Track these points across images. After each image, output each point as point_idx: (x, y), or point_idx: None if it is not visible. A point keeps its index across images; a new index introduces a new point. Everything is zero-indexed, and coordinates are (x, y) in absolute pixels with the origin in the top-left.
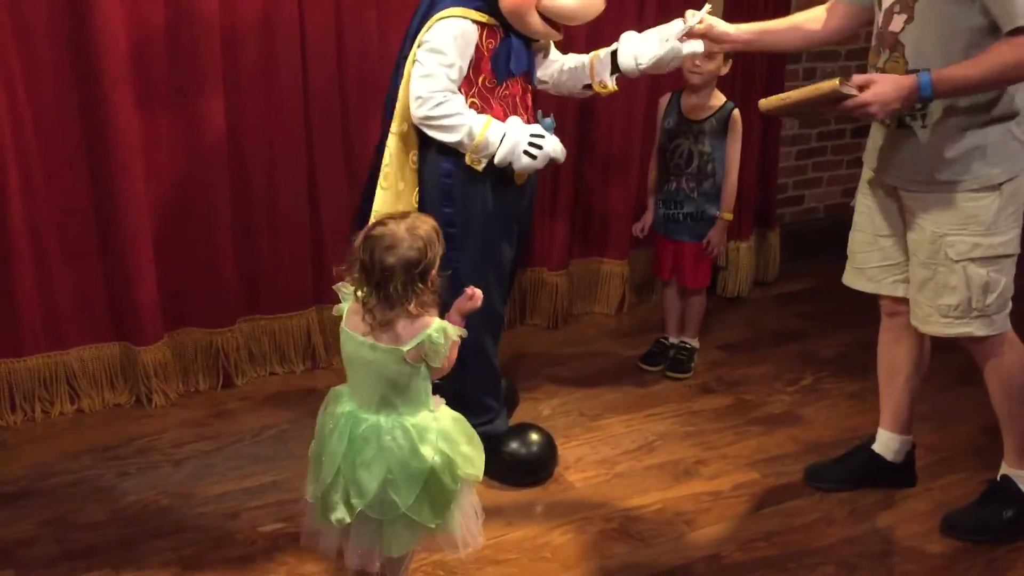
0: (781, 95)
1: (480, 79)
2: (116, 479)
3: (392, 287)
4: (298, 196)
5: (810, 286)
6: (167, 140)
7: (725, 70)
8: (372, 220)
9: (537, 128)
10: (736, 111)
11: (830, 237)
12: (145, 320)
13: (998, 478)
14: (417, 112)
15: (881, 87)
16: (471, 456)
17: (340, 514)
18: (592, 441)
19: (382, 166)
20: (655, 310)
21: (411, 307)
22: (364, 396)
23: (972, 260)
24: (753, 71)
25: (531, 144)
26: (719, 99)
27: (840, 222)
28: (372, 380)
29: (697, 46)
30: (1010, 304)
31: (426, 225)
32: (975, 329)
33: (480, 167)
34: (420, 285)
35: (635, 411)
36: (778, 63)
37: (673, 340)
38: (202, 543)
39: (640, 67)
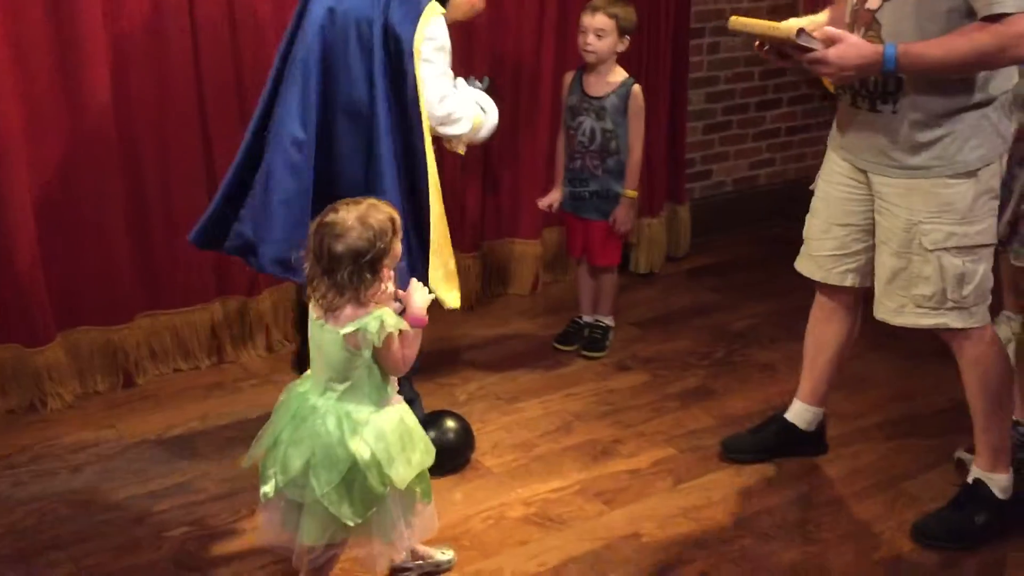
0: (750, 20)
1: None
2: (10, 489)
3: (340, 275)
4: (195, 183)
5: (721, 260)
6: (51, 128)
7: (622, 47)
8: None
9: (485, 97)
10: (636, 87)
11: (739, 211)
12: (35, 320)
13: (970, 481)
14: (440, 109)
15: (844, 48)
16: (408, 462)
17: (267, 488)
18: (509, 425)
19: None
20: (569, 289)
21: (361, 296)
22: (316, 378)
23: (947, 250)
24: (658, 46)
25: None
26: (620, 75)
27: (748, 195)
28: (320, 362)
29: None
30: (990, 297)
31: (380, 215)
32: (951, 320)
33: (462, 150)
34: (368, 275)
35: (552, 392)
36: (681, 38)
37: (587, 319)
38: (105, 551)
39: None
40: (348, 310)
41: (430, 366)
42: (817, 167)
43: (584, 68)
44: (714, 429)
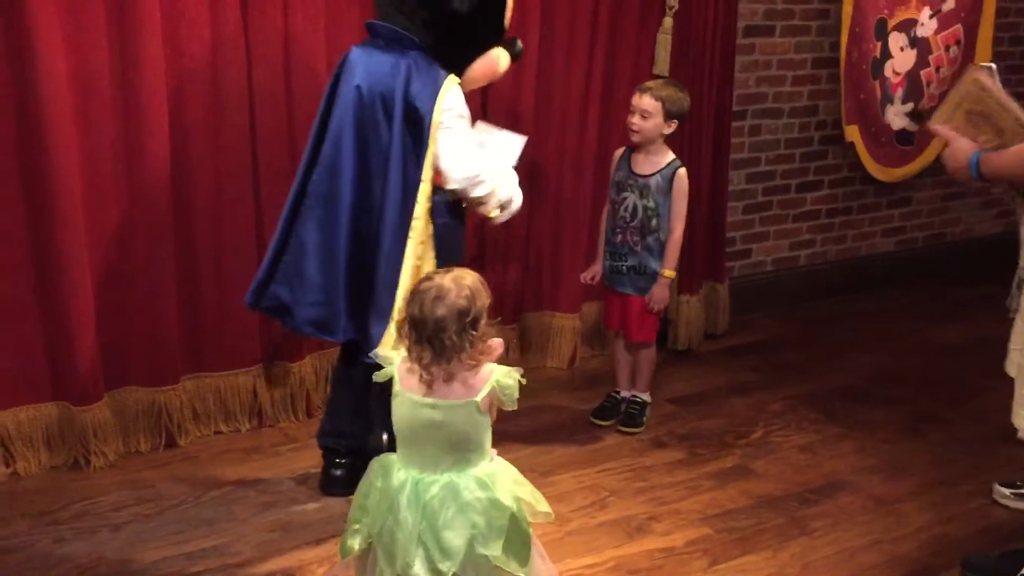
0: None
1: None
2: (52, 545)
3: (446, 337)
4: (245, 250)
5: (760, 339)
6: (110, 194)
7: (668, 130)
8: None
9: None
10: (682, 170)
11: (779, 291)
12: (85, 379)
13: None
14: (460, 172)
15: (948, 152)
16: (537, 496)
17: None
18: (544, 498)
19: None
20: (607, 363)
21: (467, 357)
22: (429, 458)
23: None
24: (700, 127)
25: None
26: (667, 156)
27: (788, 275)
28: (440, 440)
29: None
30: None
31: (470, 276)
32: None
33: (494, 215)
34: (473, 333)
35: (587, 466)
36: (724, 120)
37: (625, 394)
38: None
39: None
40: (460, 376)
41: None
42: (857, 248)
43: (634, 147)
44: (750, 510)
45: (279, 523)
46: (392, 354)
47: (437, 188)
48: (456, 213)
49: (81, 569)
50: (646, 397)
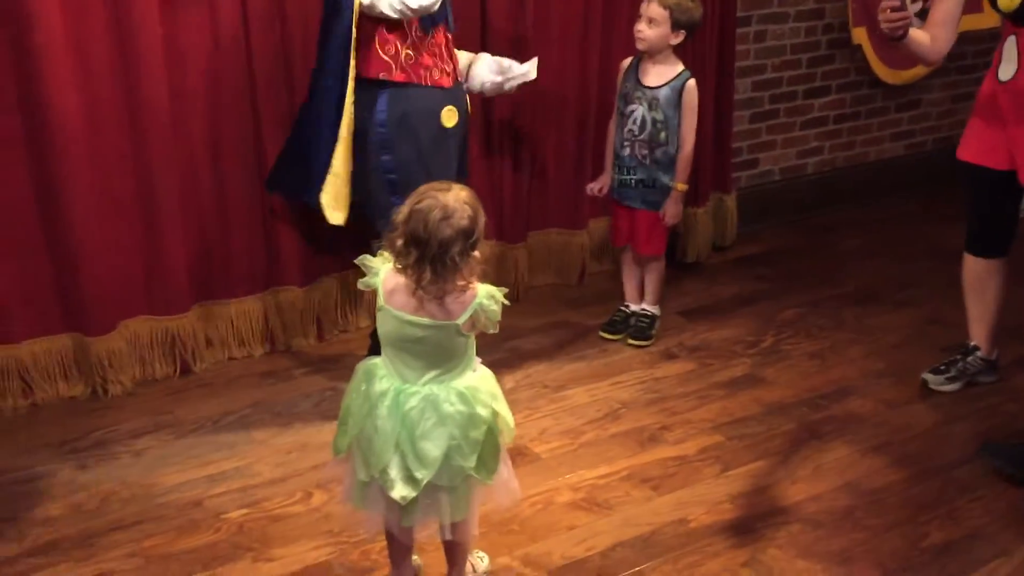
0: None
1: (412, 30)
2: (74, 472)
3: (448, 258)
4: (248, 177)
5: (768, 249)
6: (110, 123)
7: (675, 40)
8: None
9: None
10: (691, 81)
11: (786, 199)
12: (96, 310)
13: None
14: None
15: None
16: (507, 410)
17: (404, 491)
18: (556, 412)
19: (334, 154)
20: (616, 278)
21: (460, 278)
22: (412, 370)
23: None
24: (704, 35)
25: None
26: (676, 68)
27: (796, 184)
28: (424, 355)
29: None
30: None
31: (466, 192)
32: None
33: None
34: (473, 254)
35: (599, 380)
36: (728, 27)
37: (634, 308)
38: (164, 533)
39: (484, 94)
40: (449, 297)
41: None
42: (866, 154)
43: (641, 57)
44: (761, 417)
45: (297, 444)
46: (376, 263)
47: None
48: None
49: (104, 494)
50: (655, 310)
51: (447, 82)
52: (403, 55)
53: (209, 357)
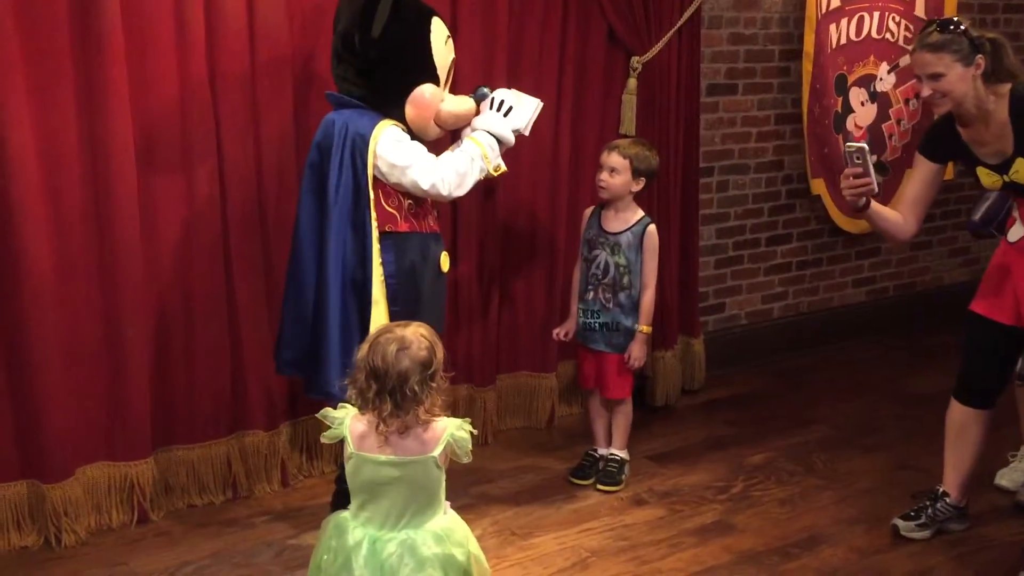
0: None
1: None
2: None
3: (408, 389)
4: (216, 321)
5: (735, 392)
6: (80, 268)
7: (636, 187)
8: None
9: (491, 110)
10: (652, 226)
11: (752, 343)
12: (54, 456)
13: None
14: (452, 192)
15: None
16: (480, 552)
17: None
18: (524, 561)
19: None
20: (585, 421)
21: (423, 411)
22: (387, 515)
23: None
24: (668, 184)
25: (500, 109)
26: (637, 214)
27: (762, 328)
28: (400, 497)
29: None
30: None
31: (424, 328)
32: None
33: (500, 169)
34: (432, 385)
35: (568, 527)
36: (691, 176)
37: (602, 452)
38: None
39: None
40: (416, 431)
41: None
42: (829, 299)
43: (603, 204)
44: (731, 566)
45: None
46: (339, 414)
47: (389, 233)
48: (412, 260)
49: None
50: (624, 455)
51: (438, 226)
52: (406, 204)
53: (168, 504)
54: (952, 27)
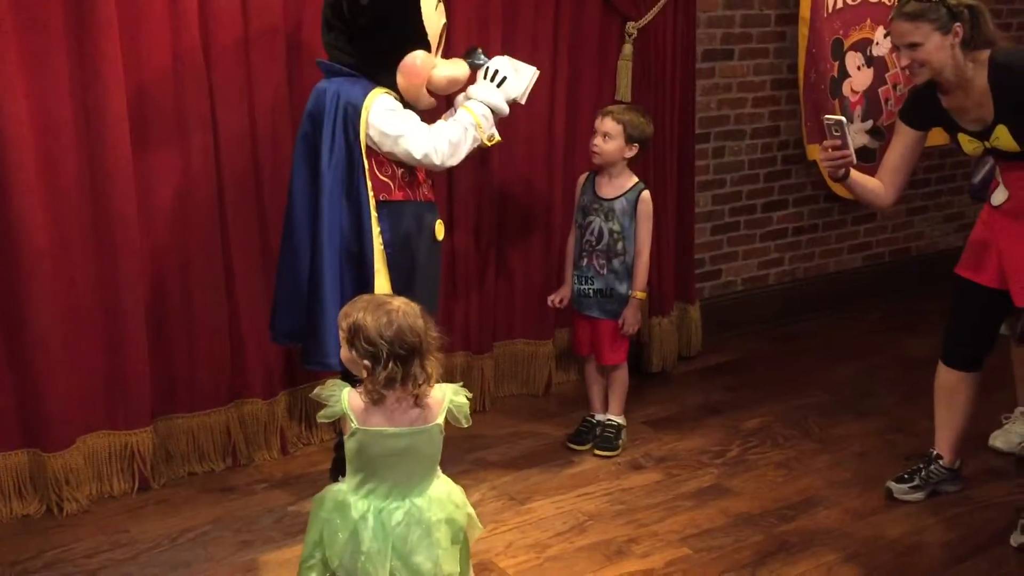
0: None
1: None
2: None
3: (422, 358)
4: (213, 290)
5: (733, 358)
6: (76, 238)
7: (629, 153)
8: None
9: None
10: (646, 192)
11: (749, 309)
12: (55, 425)
13: None
14: (445, 161)
15: None
16: (474, 511)
17: None
18: (522, 525)
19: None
20: (581, 387)
21: (424, 380)
22: (393, 486)
23: None
24: (664, 151)
25: (495, 79)
26: (631, 180)
27: (758, 294)
28: (406, 467)
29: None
30: None
31: (407, 301)
32: None
33: (495, 139)
34: (432, 357)
35: (565, 492)
36: (687, 143)
37: (599, 417)
38: None
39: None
40: (422, 400)
41: (442, 466)
42: (825, 265)
43: (597, 171)
44: (728, 529)
45: (256, 562)
46: (334, 391)
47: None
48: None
49: None
50: (620, 420)
51: (432, 195)
52: (400, 173)
53: (168, 472)
54: None
